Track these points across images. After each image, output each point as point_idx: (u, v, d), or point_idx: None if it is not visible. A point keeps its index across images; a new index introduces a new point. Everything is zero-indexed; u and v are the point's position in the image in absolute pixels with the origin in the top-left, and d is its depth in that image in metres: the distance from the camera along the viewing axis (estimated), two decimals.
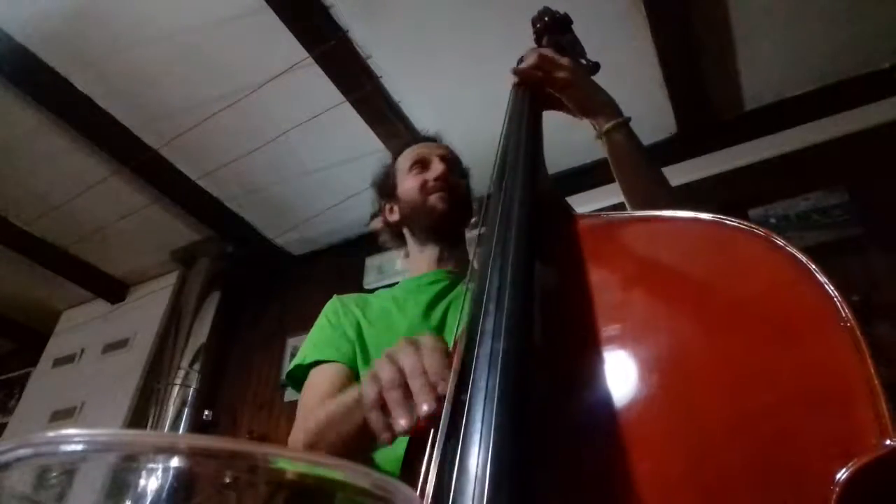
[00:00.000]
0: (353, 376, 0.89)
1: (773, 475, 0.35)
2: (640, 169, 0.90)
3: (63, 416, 3.10)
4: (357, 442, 0.68)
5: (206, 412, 2.77)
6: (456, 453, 0.38)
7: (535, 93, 0.89)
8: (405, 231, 1.16)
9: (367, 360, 0.91)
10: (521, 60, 0.95)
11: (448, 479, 0.37)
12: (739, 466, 0.36)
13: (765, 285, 0.44)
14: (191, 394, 2.75)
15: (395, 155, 1.22)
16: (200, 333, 2.93)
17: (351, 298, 1.05)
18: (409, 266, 1.16)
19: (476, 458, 0.37)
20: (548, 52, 0.92)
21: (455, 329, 0.90)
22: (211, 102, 2.35)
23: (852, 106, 2.13)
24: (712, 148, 2.33)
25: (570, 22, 1.02)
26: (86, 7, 2.03)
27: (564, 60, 0.91)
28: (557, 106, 0.93)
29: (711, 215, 0.51)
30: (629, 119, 0.90)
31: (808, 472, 0.34)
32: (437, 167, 1.10)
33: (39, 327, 3.79)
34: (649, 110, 2.29)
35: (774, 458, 0.35)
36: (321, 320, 1.01)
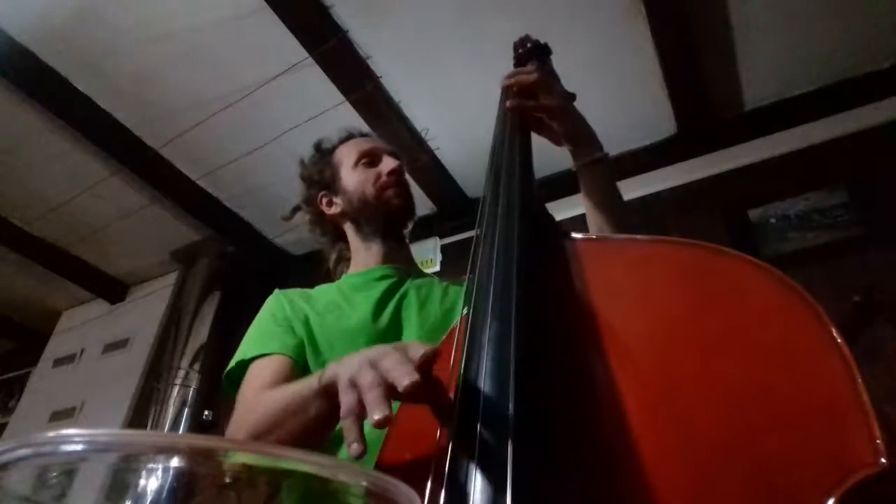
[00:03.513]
0: (297, 369, 0.87)
1: (769, 494, 0.35)
2: (615, 206, 0.91)
3: (63, 416, 3.10)
4: (314, 433, 0.66)
5: (206, 412, 2.76)
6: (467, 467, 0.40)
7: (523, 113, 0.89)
8: (347, 225, 1.13)
9: (317, 353, 0.90)
10: (516, 59, 0.94)
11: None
12: (736, 486, 0.37)
13: (759, 309, 0.46)
14: (191, 394, 2.74)
15: (324, 151, 1.22)
16: (200, 333, 2.92)
17: (294, 293, 1.03)
18: (351, 261, 1.13)
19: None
20: (543, 74, 0.90)
21: (413, 326, 0.91)
22: (211, 102, 2.35)
23: (852, 106, 2.13)
24: (712, 148, 2.33)
25: (550, 52, 1.03)
26: (86, 7, 2.03)
27: (558, 86, 0.91)
28: (541, 130, 0.93)
29: (706, 244, 0.52)
30: (608, 154, 0.91)
31: (803, 489, 0.34)
32: (389, 162, 1.10)
33: (39, 327, 3.78)
34: (649, 110, 2.29)
35: (770, 478, 0.36)
36: (263, 316, 0.98)
